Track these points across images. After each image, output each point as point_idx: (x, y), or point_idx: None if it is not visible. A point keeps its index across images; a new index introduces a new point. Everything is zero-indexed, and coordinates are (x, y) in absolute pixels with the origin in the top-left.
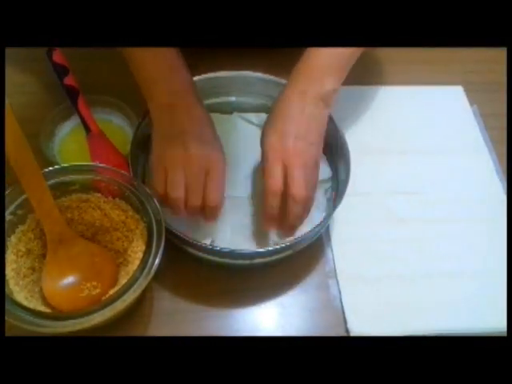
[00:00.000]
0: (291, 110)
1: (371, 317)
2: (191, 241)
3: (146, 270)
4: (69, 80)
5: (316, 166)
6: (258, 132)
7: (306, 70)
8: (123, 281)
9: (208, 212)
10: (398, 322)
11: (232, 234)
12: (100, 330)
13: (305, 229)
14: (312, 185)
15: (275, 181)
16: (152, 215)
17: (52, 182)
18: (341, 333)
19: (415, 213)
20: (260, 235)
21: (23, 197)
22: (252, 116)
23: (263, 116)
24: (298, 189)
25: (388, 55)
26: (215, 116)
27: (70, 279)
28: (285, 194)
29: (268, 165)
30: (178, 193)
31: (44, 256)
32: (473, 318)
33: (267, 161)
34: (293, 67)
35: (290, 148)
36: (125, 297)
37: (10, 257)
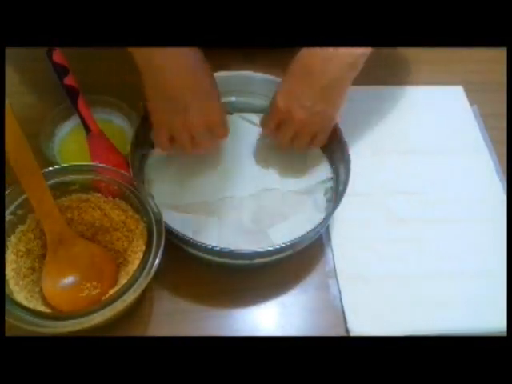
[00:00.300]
0: (311, 73)
1: (371, 317)
2: (191, 241)
3: (146, 270)
4: (69, 80)
5: (312, 132)
6: (258, 132)
7: None
8: (123, 281)
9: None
10: (398, 321)
11: (232, 234)
12: (100, 330)
13: (305, 229)
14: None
15: (268, 128)
16: (152, 215)
17: (52, 181)
18: (341, 333)
19: (415, 213)
20: (260, 235)
21: (23, 197)
22: (252, 116)
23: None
24: (280, 141)
25: (387, 55)
26: None
27: (69, 279)
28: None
29: (268, 117)
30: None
31: (44, 256)
32: (473, 318)
33: (269, 113)
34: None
35: (290, 113)
36: (125, 297)
37: (9, 257)
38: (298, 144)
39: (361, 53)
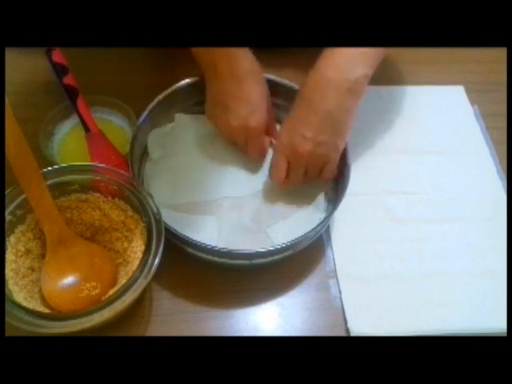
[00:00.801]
0: (310, 103)
1: (371, 317)
2: (191, 241)
3: (146, 270)
4: (68, 80)
5: (319, 163)
6: None
7: (333, 54)
8: (123, 281)
9: None
10: (398, 321)
11: (232, 233)
12: (100, 330)
13: (305, 229)
14: (312, 176)
15: (279, 173)
16: (152, 215)
17: (51, 181)
18: (341, 333)
19: (415, 213)
20: (260, 235)
21: (22, 197)
22: None
23: None
24: (292, 182)
25: (388, 55)
26: None
27: (69, 279)
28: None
29: (275, 156)
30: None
31: (43, 256)
32: (473, 318)
33: (275, 151)
34: (292, 67)
35: (294, 147)
36: (124, 297)
37: (9, 257)
38: (308, 178)
39: (357, 77)
